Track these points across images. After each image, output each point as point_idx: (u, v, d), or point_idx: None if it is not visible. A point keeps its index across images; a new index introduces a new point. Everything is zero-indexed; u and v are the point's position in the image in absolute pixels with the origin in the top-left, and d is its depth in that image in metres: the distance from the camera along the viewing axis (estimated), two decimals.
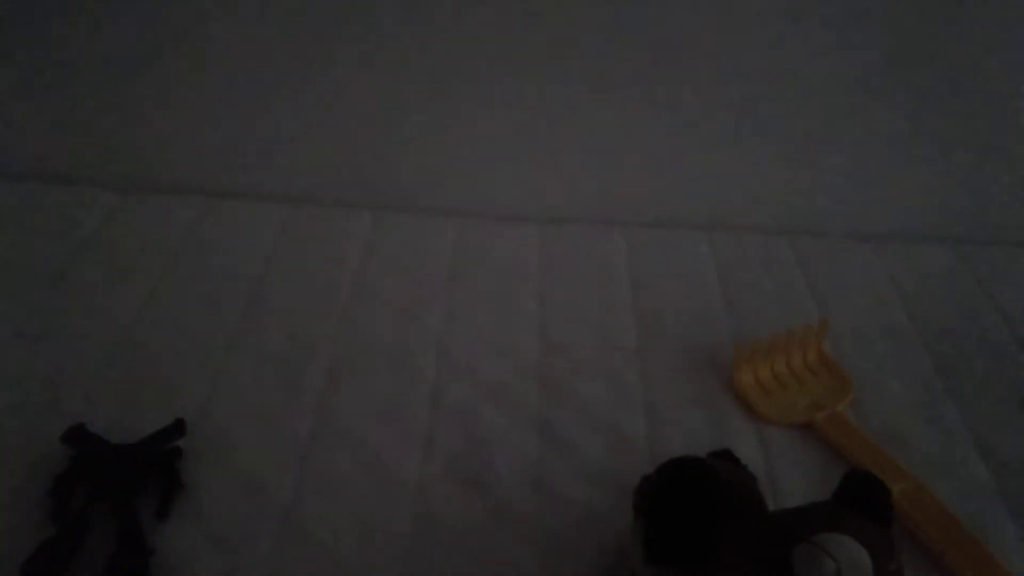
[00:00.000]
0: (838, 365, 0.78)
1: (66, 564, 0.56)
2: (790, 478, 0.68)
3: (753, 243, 0.95)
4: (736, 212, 0.98)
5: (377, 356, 0.77)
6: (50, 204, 0.91)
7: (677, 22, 0.89)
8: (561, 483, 0.67)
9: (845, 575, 0.47)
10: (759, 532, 0.52)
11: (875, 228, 0.97)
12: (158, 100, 0.95)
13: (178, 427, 0.66)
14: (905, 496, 0.64)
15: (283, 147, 0.97)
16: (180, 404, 0.69)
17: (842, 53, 0.91)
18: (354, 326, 0.80)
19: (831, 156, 0.96)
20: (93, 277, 0.83)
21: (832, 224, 0.97)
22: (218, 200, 0.94)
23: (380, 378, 0.75)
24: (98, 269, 0.84)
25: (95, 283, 0.82)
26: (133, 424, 0.66)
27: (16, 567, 0.55)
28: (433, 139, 0.96)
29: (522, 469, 0.67)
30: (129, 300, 0.80)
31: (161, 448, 0.65)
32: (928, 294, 0.89)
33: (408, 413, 0.72)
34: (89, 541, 0.58)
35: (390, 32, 0.90)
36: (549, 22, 0.90)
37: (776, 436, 0.72)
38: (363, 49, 0.91)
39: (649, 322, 0.83)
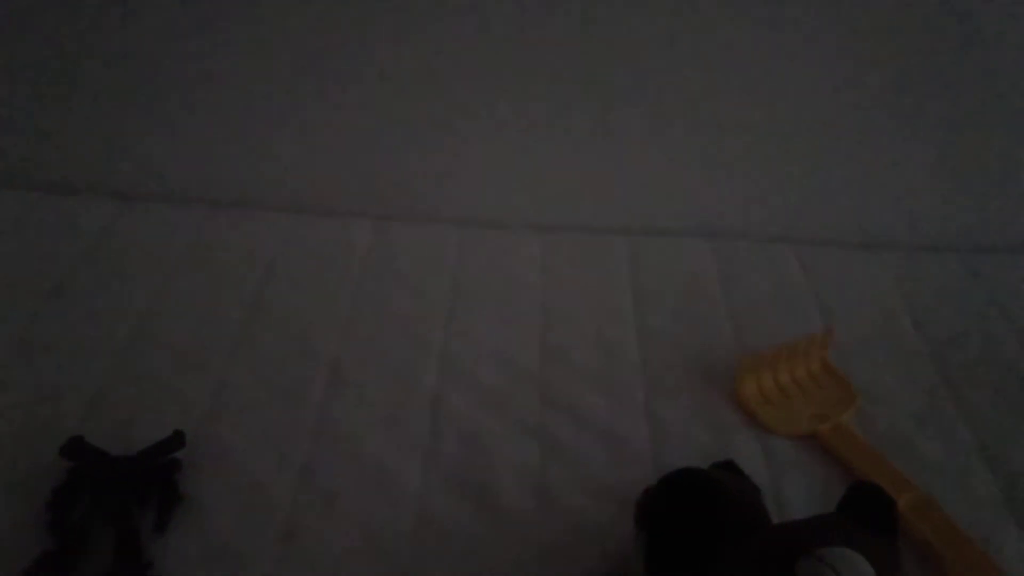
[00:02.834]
0: (842, 375, 0.77)
1: None
2: (794, 489, 0.67)
3: (757, 251, 0.95)
4: (740, 220, 0.98)
5: (378, 365, 0.77)
6: (50, 213, 0.91)
7: (681, 29, 0.89)
8: (562, 493, 0.66)
9: None
10: (762, 545, 0.51)
11: (881, 237, 0.97)
12: (160, 109, 0.95)
13: (177, 439, 0.65)
14: (910, 507, 0.63)
15: (285, 156, 0.96)
16: (180, 415, 0.69)
17: (849, 62, 0.90)
18: (355, 335, 0.80)
19: (837, 164, 0.96)
20: (94, 287, 0.83)
21: (838, 233, 0.97)
22: (219, 209, 0.94)
23: (381, 387, 0.74)
24: (99, 279, 0.84)
25: (96, 293, 0.82)
26: (133, 436, 0.65)
27: None
28: (435, 149, 0.96)
29: (523, 478, 0.67)
30: (130, 310, 0.80)
31: (160, 460, 0.64)
32: (935, 303, 0.88)
33: (409, 421, 0.71)
34: (88, 554, 0.58)
35: (391, 41, 0.90)
36: (550, 31, 0.90)
37: (780, 447, 0.71)
38: (364, 59, 0.91)
39: (651, 332, 0.83)
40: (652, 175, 0.97)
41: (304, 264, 0.89)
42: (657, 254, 0.94)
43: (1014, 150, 0.95)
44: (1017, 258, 0.95)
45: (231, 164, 0.97)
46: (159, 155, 0.97)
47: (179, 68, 0.92)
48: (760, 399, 0.74)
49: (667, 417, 0.74)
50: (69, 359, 0.74)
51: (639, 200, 0.98)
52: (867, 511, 0.52)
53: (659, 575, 0.53)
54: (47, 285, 0.82)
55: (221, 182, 0.97)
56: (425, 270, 0.89)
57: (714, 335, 0.83)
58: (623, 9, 0.88)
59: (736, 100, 0.93)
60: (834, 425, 0.72)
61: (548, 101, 0.93)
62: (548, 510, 0.65)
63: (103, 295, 0.82)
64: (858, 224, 0.97)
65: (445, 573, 0.60)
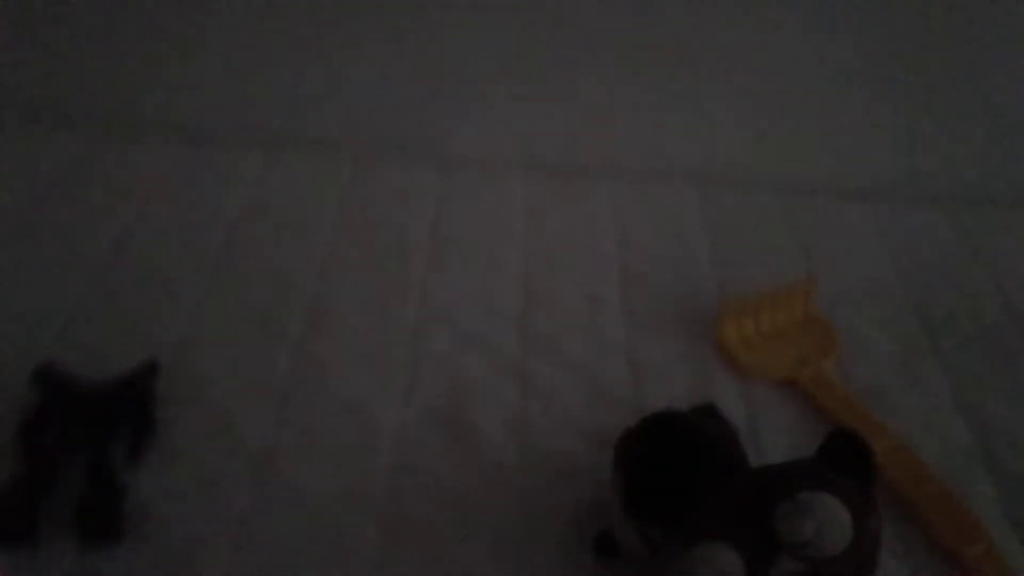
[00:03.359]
0: (825, 322, 0.77)
1: (36, 503, 0.55)
2: (773, 434, 0.68)
3: (743, 199, 0.94)
4: (727, 168, 0.97)
5: (358, 303, 0.76)
6: (21, 144, 0.89)
7: None
8: (542, 435, 0.66)
9: (826, 533, 0.47)
10: (740, 489, 0.51)
11: (869, 188, 0.96)
12: (132, 33, 0.92)
13: (150, 368, 0.64)
14: (885, 454, 0.63)
15: (263, 86, 0.94)
16: (154, 344, 0.68)
17: (840, 10, 0.88)
18: (335, 272, 0.79)
19: (827, 114, 0.95)
20: (64, 219, 0.81)
21: (824, 183, 0.96)
22: (196, 143, 0.92)
23: (360, 325, 0.74)
24: (70, 211, 0.82)
25: (67, 225, 0.80)
26: (106, 364, 0.64)
27: None
28: (418, 84, 0.94)
29: (503, 420, 0.67)
30: (104, 240, 0.78)
31: (134, 388, 0.63)
32: (918, 255, 0.88)
33: (388, 360, 0.70)
34: (60, 480, 0.57)
35: None
36: None
37: (760, 392, 0.71)
38: None
39: (634, 276, 0.82)
40: (639, 119, 0.95)
41: (284, 199, 0.87)
42: (642, 199, 0.93)
43: (1002, 104, 0.94)
44: (1002, 212, 0.95)
45: (205, 96, 0.94)
46: (132, 87, 0.94)
47: None
48: (741, 344, 0.74)
49: (648, 360, 0.73)
50: (41, 290, 0.73)
51: (625, 144, 0.96)
52: (846, 457, 0.52)
53: (636, 517, 0.53)
54: (17, 218, 0.80)
55: (196, 114, 0.94)
56: (407, 209, 0.88)
57: (697, 281, 0.83)
58: None
59: (725, 45, 0.91)
60: (814, 371, 0.72)
61: (537, 38, 0.91)
62: (527, 451, 0.65)
63: (76, 227, 0.80)
64: (845, 175, 0.97)
65: (421, 509, 0.60)
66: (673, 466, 0.52)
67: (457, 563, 0.57)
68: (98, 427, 0.60)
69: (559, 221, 0.89)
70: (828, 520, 0.47)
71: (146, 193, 0.85)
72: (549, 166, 0.95)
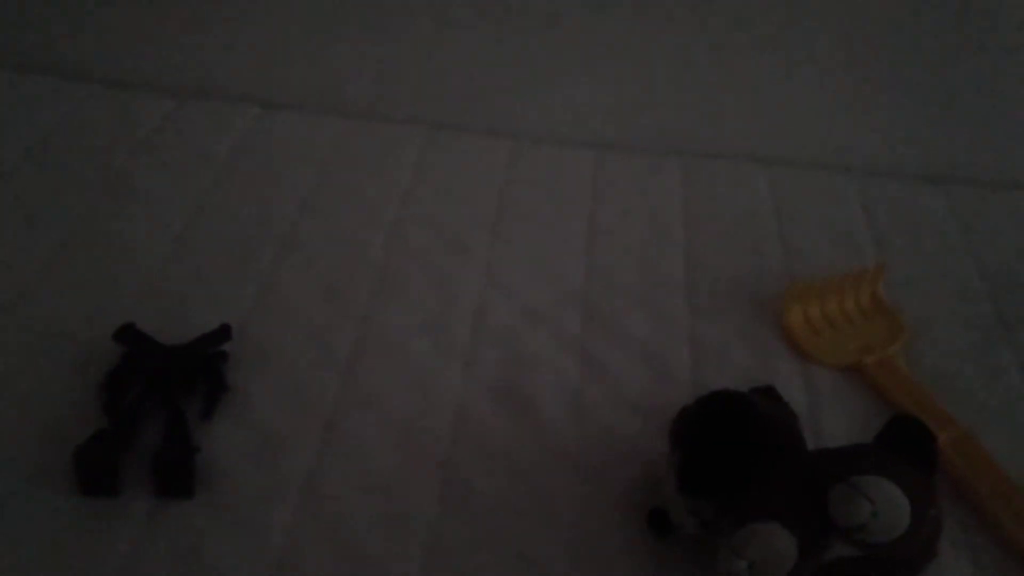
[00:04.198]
0: (893, 309, 0.76)
1: (117, 454, 0.57)
2: (834, 421, 0.67)
3: (815, 180, 0.92)
4: (799, 148, 0.95)
5: (423, 273, 0.77)
6: (107, 108, 0.92)
7: None
8: (600, 411, 0.67)
9: (881, 518, 0.46)
10: (796, 469, 0.51)
11: (945, 170, 0.93)
12: (218, 8, 0.94)
13: (224, 331, 0.67)
14: (950, 444, 0.63)
15: (341, 60, 0.96)
16: (227, 311, 0.70)
17: None
18: (401, 242, 0.80)
19: (898, 94, 0.92)
20: (147, 182, 0.84)
21: (898, 164, 0.94)
22: (274, 111, 0.94)
23: (425, 295, 0.75)
24: (153, 174, 0.85)
25: (149, 188, 0.83)
26: (181, 329, 0.67)
27: (69, 455, 0.57)
28: (488, 58, 0.95)
29: (562, 394, 0.67)
30: (182, 206, 0.81)
31: (208, 351, 0.66)
32: (997, 240, 0.85)
33: (451, 329, 0.72)
34: (139, 434, 0.60)
35: None
36: None
37: (823, 378, 0.70)
38: None
39: (699, 255, 0.82)
40: (710, 96, 0.94)
41: (354, 169, 0.89)
42: (711, 177, 0.92)
43: None
44: None
45: (286, 66, 0.97)
46: (214, 54, 0.97)
47: None
48: (806, 328, 0.73)
49: (709, 340, 0.73)
50: (123, 251, 0.76)
51: (695, 122, 0.96)
52: (906, 444, 0.51)
53: (690, 495, 0.53)
54: (101, 179, 0.83)
55: (277, 83, 0.97)
56: (474, 181, 0.89)
57: (764, 263, 0.82)
58: None
59: (796, 21, 0.89)
60: (879, 358, 0.71)
61: (607, 16, 0.91)
62: (584, 425, 0.65)
63: (156, 190, 0.83)
64: (920, 156, 0.94)
65: (480, 478, 0.61)
66: (728, 445, 0.52)
67: (513, 535, 0.58)
68: (174, 385, 0.63)
69: (625, 199, 0.89)
70: (884, 504, 0.46)
71: (223, 159, 0.87)
72: (617, 144, 0.95)
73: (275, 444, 0.62)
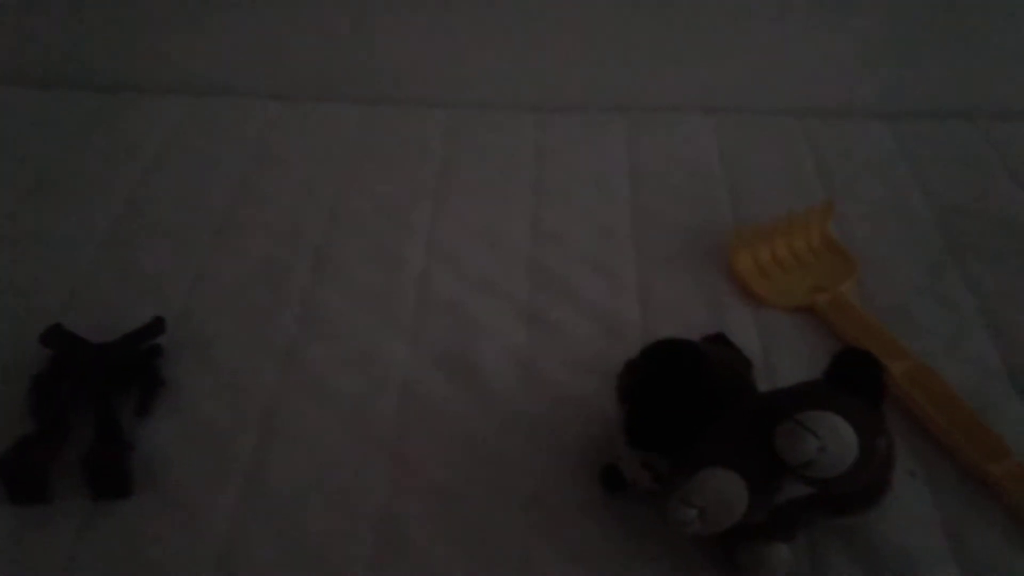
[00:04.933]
0: (842, 246, 0.74)
1: (45, 460, 0.55)
2: (789, 364, 0.66)
3: (760, 124, 0.91)
4: (744, 94, 0.93)
5: (364, 249, 0.75)
6: (31, 107, 0.89)
7: None
8: (552, 374, 0.65)
9: (829, 452, 0.45)
10: (743, 414, 0.50)
11: (889, 106, 0.92)
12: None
13: (157, 325, 0.64)
14: (906, 375, 0.62)
15: (268, 43, 0.93)
16: (162, 303, 0.68)
17: None
18: (341, 220, 0.78)
19: (838, 32, 0.91)
20: (74, 180, 0.81)
21: (842, 102, 0.92)
22: (204, 98, 0.92)
23: (367, 271, 0.73)
24: (81, 170, 0.82)
25: (77, 184, 0.81)
26: (115, 325, 0.64)
27: None
28: (422, 28, 0.92)
29: (510, 358, 0.66)
30: (112, 200, 0.79)
31: (141, 346, 0.63)
32: (944, 171, 0.84)
33: (394, 302, 0.70)
34: (69, 438, 0.58)
35: None
36: None
37: (776, 321, 0.69)
38: None
39: (648, 210, 0.80)
40: (649, 50, 0.92)
41: (290, 149, 0.86)
42: (656, 130, 0.90)
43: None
44: None
45: (214, 54, 0.93)
46: (141, 48, 0.93)
47: None
48: (756, 272, 0.72)
49: (660, 295, 0.72)
50: (51, 250, 0.73)
51: (636, 76, 0.94)
52: (854, 377, 0.50)
53: (639, 449, 0.52)
54: (27, 179, 0.80)
55: (205, 72, 0.94)
56: (413, 152, 0.87)
57: (712, 212, 0.81)
58: None
59: None
60: (831, 296, 0.69)
61: None
62: (536, 389, 0.64)
63: (84, 188, 0.80)
64: (866, 94, 0.93)
65: (431, 451, 0.60)
66: (675, 395, 0.51)
67: (466, 500, 0.57)
68: (106, 384, 0.61)
69: (570, 160, 0.87)
70: (831, 438, 0.45)
71: (155, 150, 0.85)
72: (558, 105, 0.93)
73: (216, 435, 0.60)
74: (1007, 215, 0.79)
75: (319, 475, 0.58)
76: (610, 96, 0.94)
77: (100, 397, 0.59)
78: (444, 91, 0.93)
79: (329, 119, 0.90)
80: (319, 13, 0.91)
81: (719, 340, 0.61)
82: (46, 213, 0.78)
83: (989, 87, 0.92)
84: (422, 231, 0.77)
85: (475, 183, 0.83)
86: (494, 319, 0.69)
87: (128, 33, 0.93)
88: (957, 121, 0.90)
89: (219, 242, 0.75)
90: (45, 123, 0.88)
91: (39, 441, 0.56)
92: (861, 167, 0.85)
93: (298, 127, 0.90)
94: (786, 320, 0.69)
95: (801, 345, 0.67)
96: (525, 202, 0.81)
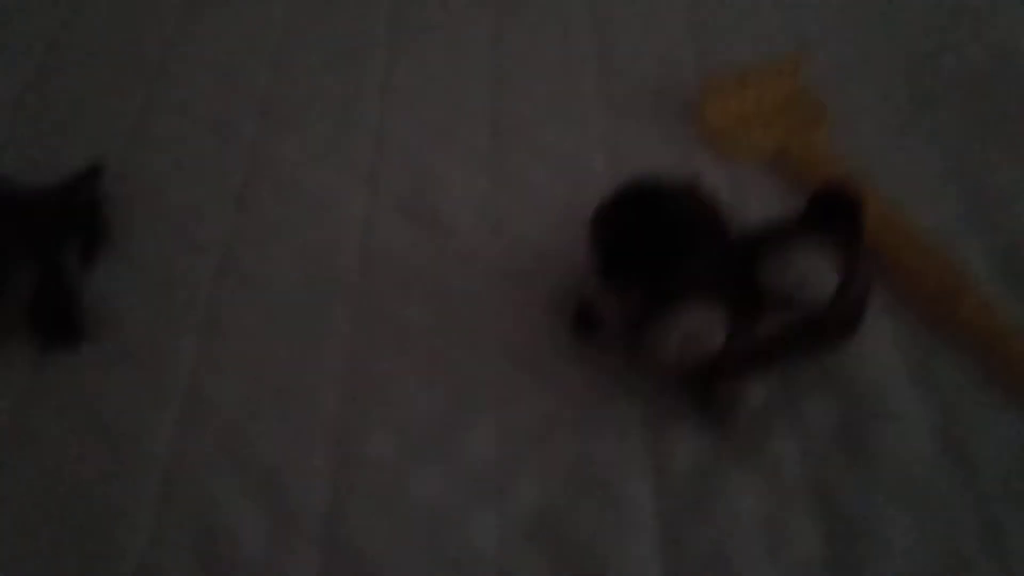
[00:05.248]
0: (814, 96, 0.73)
1: None
2: (761, 215, 0.64)
3: None
4: None
5: (315, 100, 0.71)
6: None
7: None
8: (517, 223, 0.63)
9: (807, 283, 0.45)
10: (721, 247, 0.49)
11: None
12: None
13: (94, 173, 0.60)
14: (875, 219, 0.60)
15: None
16: (102, 150, 0.64)
17: None
18: (289, 70, 0.74)
19: None
20: None
21: None
22: None
23: (319, 123, 0.69)
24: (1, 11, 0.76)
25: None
26: (49, 171, 0.60)
27: None
28: None
29: (474, 208, 0.64)
30: (38, 42, 0.73)
31: (79, 196, 0.59)
32: (911, 22, 0.82)
33: (351, 156, 0.67)
34: (11, 293, 0.54)
35: None
36: None
37: (747, 174, 0.68)
38: None
39: (613, 60, 0.77)
40: None
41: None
42: None
43: None
44: None
45: None
46: None
47: None
48: (726, 123, 0.70)
49: (626, 145, 0.70)
50: None
51: None
52: (832, 212, 0.49)
53: (614, 283, 0.50)
54: None
55: None
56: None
57: (681, 66, 0.78)
58: None
59: None
60: (803, 145, 0.68)
61: None
62: (501, 238, 0.62)
63: (5, 27, 0.74)
64: None
65: (393, 299, 0.58)
66: (651, 230, 0.50)
67: (432, 349, 0.55)
68: (46, 234, 0.57)
69: (532, 10, 0.83)
70: (809, 269, 0.45)
71: None
72: None
73: (167, 282, 0.57)
74: (974, 68, 0.78)
75: (281, 323, 0.56)
76: None
77: (41, 247, 0.56)
78: None
79: None
80: None
81: (692, 181, 0.59)
82: None
83: None
84: (376, 79, 0.73)
85: (432, 30, 0.79)
86: (455, 168, 0.66)
87: None
88: None
89: (156, 91, 0.70)
90: None
91: None
92: (831, 18, 0.83)
93: None
94: (758, 172, 0.68)
95: (772, 198, 0.66)
96: (484, 51, 0.77)
